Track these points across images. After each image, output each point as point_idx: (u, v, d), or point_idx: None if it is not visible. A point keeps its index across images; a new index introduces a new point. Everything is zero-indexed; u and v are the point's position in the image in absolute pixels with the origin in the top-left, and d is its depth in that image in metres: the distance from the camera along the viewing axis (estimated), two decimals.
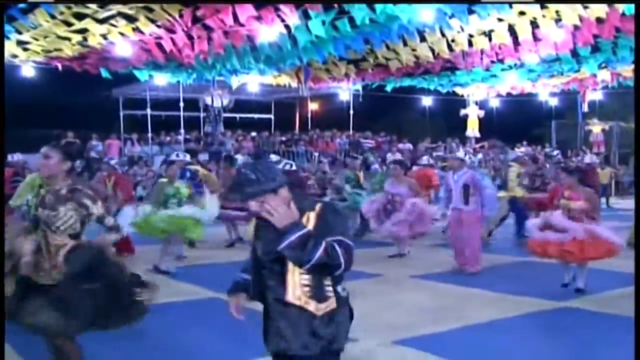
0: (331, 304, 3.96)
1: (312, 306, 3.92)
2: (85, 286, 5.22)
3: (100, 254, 5.45)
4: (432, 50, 19.63)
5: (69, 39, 17.33)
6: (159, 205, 11.62)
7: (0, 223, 5.33)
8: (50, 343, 5.44)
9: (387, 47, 19.75)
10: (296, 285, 3.91)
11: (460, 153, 13.43)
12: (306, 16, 15.23)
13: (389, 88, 27.45)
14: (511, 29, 17.76)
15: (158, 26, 16.45)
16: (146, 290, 5.55)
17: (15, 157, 16.04)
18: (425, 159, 19.24)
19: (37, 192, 5.55)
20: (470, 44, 19.20)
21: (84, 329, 5.33)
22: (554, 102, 36.05)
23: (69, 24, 16.18)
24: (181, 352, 7.12)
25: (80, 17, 15.76)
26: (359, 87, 31.66)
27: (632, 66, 21.53)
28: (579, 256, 9.82)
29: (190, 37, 17.25)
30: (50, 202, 5.35)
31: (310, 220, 3.84)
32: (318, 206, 3.92)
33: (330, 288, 3.96)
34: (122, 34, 16.90)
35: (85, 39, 17.24)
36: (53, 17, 15.65)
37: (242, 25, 15.82)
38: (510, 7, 15.55)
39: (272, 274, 4.00)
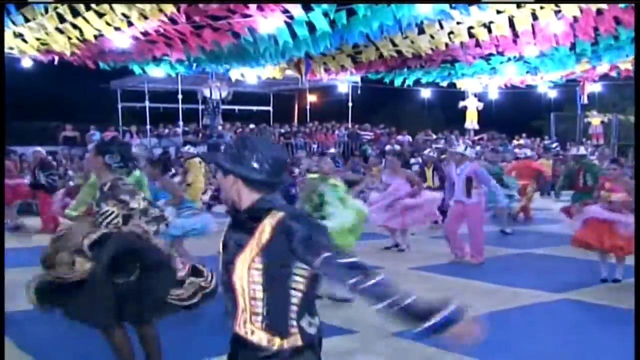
0: (294, 341, 3.19)
1: (262, 339, 3.18)
2: (117, 277, 5.28)
3: (129, 242, 5.42)
4: (431, 44, 19.68)
5: (63, 32, 17.30)
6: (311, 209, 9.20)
7: (0, 221, 5.34)
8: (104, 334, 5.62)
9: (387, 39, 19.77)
10: (246, 310, 3.20)
11: (461, 147, 13.41)
12: (306, 8, 15.23)
13: (387, 80, 27.46)
14: (511, 22, 17.74)
15: (162, 20, 16.43)
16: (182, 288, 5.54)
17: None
18: (524, 151, 19.55)
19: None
20: (470, 35, 19.18)
21: (112, 321, 5.38)
22: (553, 94, 36.07)
23: (63, 19, 16.20)
24: (185, 343, 7.11)
25: (75, 12, 15.80)
26: (357, 79, 31.66)
27: (631, 58, 21.55)
28: (627, 250, 9.71)
29: (194, 28, 17.27)
30: (96, 199, 5.48)
31: (263, 234, 3.14)
32: (276, 216, 3.17)
33: (295, 320, 3.20)
34: (117, 28, 16.88)
35: (81, 33, 17.21)
36: (47, 11, 15.66)
37: (246, 16, 15.85)
38: None
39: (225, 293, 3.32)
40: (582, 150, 14.98)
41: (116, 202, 5.40)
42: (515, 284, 9.64)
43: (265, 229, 3.15)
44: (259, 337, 3.16)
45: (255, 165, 3.22)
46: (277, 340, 3.15)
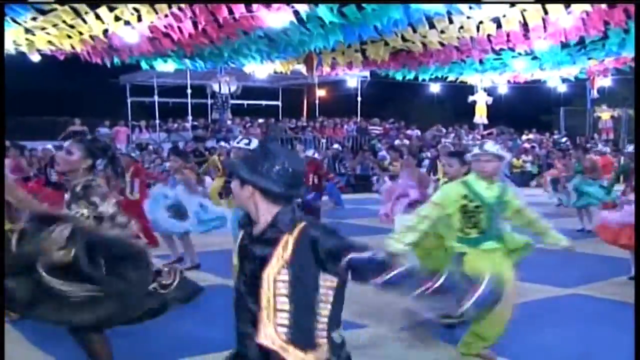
0: (320, 354, 3.18)
1: (288, 351, 3.13)
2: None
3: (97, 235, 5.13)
4: (441, 39, 19.66)
5: (74, 27, 17.34)
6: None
7: (0, 223, 5.26)
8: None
9: (397, 34, 19.76)
10: (270, 321, 3.14)
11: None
12: (315, 2, 15.25)
13: (398, 76, 27.50)
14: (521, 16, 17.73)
15: (166, 15, 16.45)
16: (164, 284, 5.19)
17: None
18: (601, 146, 19.66)
19: None
20: (478, 30, 19.15)
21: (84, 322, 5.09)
22: (562, 88, 35.94)
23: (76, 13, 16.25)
24: (188, 338, 7.12)
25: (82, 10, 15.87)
26: (366, 73, 31.63)
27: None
28: None
29: (196, 25, 17.26)
30: (68, 200, 5.32)
31: (287, 247, 3.12)
32: (299, 227, 3.15)
33: (324, 332, 3.19)
34: (127, 22, 16.91)
35: (90, 29, 17.25)
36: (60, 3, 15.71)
37: (251, 11, 15.85)
38: None
39: (245, 303, 3.27)
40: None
41: (87, 204, 5.18)
42: (525, 279, 9.55)
43: (289, 240, 3.11)
44: (284, 348, 3.12)
45: (275, 177, 3.15)
46: (301, 353, 3.13)
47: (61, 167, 5.48)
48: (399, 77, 27.89)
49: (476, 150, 6.39)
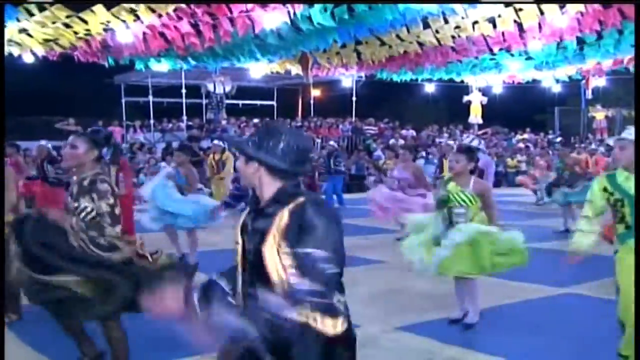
0: (344, 320, 3.18)
1: (321, 323, 3.09)
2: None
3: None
4: (437, 39, 19.65)
5: (70, 26, 17.30)
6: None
7: (1, 220, 5.27)
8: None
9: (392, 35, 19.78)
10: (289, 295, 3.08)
11: (475, 142, 13.34)
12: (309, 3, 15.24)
13: (396, 78, 27.53)
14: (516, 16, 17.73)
15: (160, 15, 16.42)
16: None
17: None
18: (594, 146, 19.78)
19: None
20: (474, 30, 19.16)
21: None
22: (557, 88, 35.97)
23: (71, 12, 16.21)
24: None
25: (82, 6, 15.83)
26: (361, 73, 31.66)
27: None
28: None
29: (194, 25, 17.23)
30: (74, 194, 5.34)
31: (283, 218, 3.15)
32: (297, 201, 3.18)
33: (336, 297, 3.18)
34: (123, 21, 16.88)
35: (88, 29, 17.22)
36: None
37: (247, 11, 15.84)
38: None
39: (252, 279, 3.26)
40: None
41: (91, 199, 5.25)
42: (520, 279, 9.59)
43: (285, 213, 3.15)
44: (314, 318, 3.06)
45: (280, 153, 3.20)
46: (331, 320, 3.09)
47: (68, 163, 5.51)
48: (394, 77, 27.91)
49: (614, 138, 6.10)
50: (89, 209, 5.21)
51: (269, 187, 3.25)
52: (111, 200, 5.26)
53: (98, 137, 5.58)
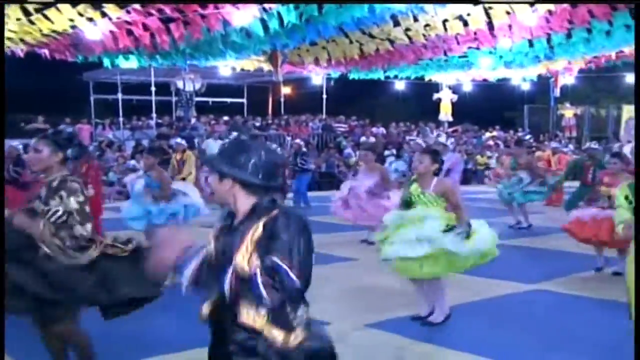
0: (298, 334, 3.23)
1: (271, 334, 3.17)
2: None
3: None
4: (408, 37, 19.68)
5: (34, 23, 17.11)
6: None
7: (0, 220, 5.18)
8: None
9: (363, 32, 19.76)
10: (252, 305, 3.15)
11: (442, 138, 13.40)
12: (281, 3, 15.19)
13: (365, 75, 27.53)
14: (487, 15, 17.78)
15: (128, 12, 16.28)
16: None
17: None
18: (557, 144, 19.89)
19: None
20: (445, 28, 19.20)
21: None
22: (526, 86, 36.14)
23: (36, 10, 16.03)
24: (162, 335, 7.06)
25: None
26: (331, 71, 31.63)
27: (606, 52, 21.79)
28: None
29: (164, 22, 17.11)
30: (43, 197, 5.26)
31: (257, 230, 3.19)
32: (271, 214, 3.22)
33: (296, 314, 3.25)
34: (90, 19, 16.70)
35: (54, 26, 17.03)
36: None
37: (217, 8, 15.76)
38: None
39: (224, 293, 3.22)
40: (595, 145, 15.08)
41: (61, 197, 5.17)
42: (490, 275, 9.62)
43: (259, 226, 3.19)
44: (266, 328, 3.15)
45: (253, 169, 3.23)
46: (281, 333, 3.17)
47: (36, 167, 5.44)
48: (366, 75, 27.90)
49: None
50: (59, 213, 5.14)
51: (244, 203, 3.29)
52: (81, 198, 5.19)
53: (60, 138, 5.50)
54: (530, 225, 15.39)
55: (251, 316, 3.14)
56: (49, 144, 5.35)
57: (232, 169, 3.24)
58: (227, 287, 3.11)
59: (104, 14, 16.37)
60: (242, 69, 28.56)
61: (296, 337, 3.21)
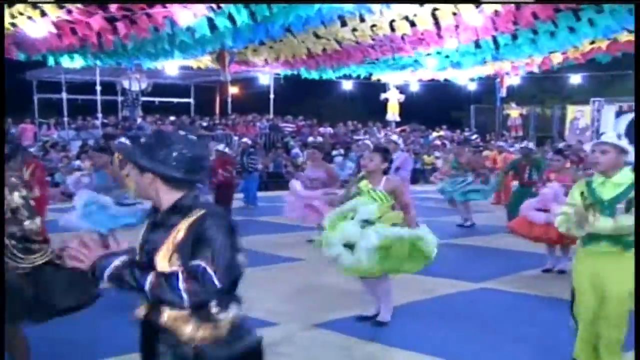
0: (218, 330, 3.18)
1: (188, 325, 3.16)
2: None
3: None
4: (355, 37, 19.70)
5: None
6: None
7: (0, 219, 5.04)
8: None
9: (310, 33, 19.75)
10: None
11: (394, 137, 13.45)
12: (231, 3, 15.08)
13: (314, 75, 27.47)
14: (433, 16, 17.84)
15: (69, 11, 16.01)
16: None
17: None
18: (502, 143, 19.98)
19: None
20: (392, 29, 19.22)
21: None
22: (472, 86, 36.45)
23: None
24: (116, 336, 6.96)
25: None
26: (279, 70, 31.57)
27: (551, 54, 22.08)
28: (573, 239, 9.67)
29: (109, 21, 16.88)
30: None
31: (179, 232, 3.11)
32: (196, 214, 3.14)
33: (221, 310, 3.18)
34: (30, 18, 16.41)
35: None
36: None
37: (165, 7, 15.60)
38: None
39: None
40: (530, 144, 15.27)
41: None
42: (437, 274, 9.67)
43: (183, 227, 3.10)
44: (183, 319, 3.12)
45: (174, 162, 3.15)
46: (200, 329, 3.12)
47: None
48: (314, 75, 27.84)
49: (593, 141, 5.94)
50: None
51: (167, 198, 3.21)
52: (24, 192, 5.10)
53: None
54: (473, 224, 15.52)
55: (172, 316, 3.13)
56: None
57: (153, 162, 3.17)
58: (147, 286, 3.02)
59: (43, 13, 16.08)
60: (191, 68, 28.34)
61: (219, 336, 3.16)
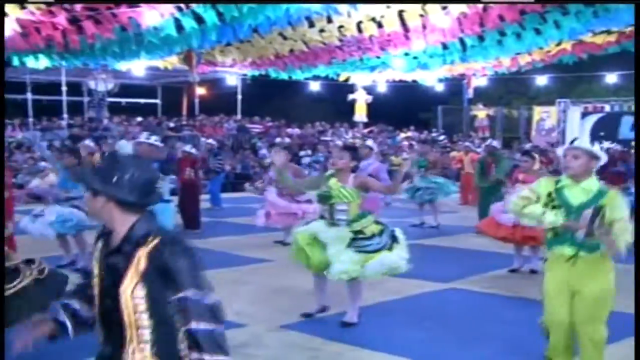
0: None
1: None
2: None
3: None
4: (322, 38, 19.69)
5: None
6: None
7: (0, 219, 4.96)
8: None
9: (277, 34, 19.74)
10: (133, 338, 3.07)
11: (370, 142, 13.46)
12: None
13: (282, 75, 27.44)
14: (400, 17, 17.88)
15: (32, 12, 15.84)
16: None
17: None
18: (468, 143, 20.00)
19: None
20: (359, 30, 19.24)
21: None
22: (440, 87, 36.57)
23: None
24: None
25: None
26: (246, 71, 31.49)
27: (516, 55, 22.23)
28: (540, 240, 9.70)
29: (73, 21, 16.72)
30: None
31: (140, 262, 3.04)
32: (152, 242, 3.07)
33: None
34: None
35: None
36: None
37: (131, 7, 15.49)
38: None
39: (111, 319, 3.15)
40: (494, 143, 15.37)
41: None
42: (402, 275, 9.67)
43: (142, 257, 3.04)
44: None
45: (127, 186, 3.11)
46: None
47: None
48: (282, 75, 27.79)
49: (566, 145, 5.95)
50: None
51: (121, 222, 3.15)
52: None
53: None
54: (438, 225, 15.56)
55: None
56: None
57: (105, 186, 3.11)
58: (121, 314, 3.05)
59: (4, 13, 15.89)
60: (158, 68, 28.17)
61: None
